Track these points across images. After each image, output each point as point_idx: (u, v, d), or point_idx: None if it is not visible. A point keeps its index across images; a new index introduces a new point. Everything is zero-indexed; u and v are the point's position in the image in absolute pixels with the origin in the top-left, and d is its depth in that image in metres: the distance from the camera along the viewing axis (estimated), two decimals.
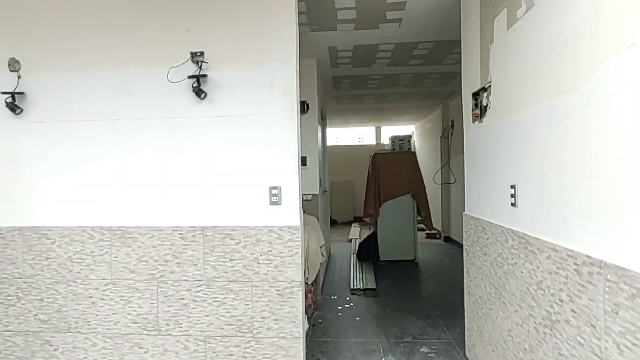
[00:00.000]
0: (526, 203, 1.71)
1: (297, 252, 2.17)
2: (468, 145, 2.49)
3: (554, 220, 1.45)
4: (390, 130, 10.44)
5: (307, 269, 3.36)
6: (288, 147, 2.19)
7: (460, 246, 6.74)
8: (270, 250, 2.17)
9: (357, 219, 9.65)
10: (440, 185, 7.09)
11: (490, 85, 2.07)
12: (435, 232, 7.40)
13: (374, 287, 4.26)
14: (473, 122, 2.37)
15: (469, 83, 2.40)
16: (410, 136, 5.60)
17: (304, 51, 3.86)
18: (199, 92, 2.13)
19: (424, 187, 5.52)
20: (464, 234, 2.55)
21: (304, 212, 3.95)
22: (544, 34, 1.49)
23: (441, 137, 7.15)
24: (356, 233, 7.91)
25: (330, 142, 10.36)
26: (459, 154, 6.49)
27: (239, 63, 2.19)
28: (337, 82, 5.16)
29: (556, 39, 1.40)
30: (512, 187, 1.81)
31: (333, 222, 9.66)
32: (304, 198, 4.02)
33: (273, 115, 2.19)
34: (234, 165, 2.20)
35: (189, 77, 2.14)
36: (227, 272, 2.18)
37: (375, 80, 5.05)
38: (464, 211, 2.57)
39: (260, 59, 2.18)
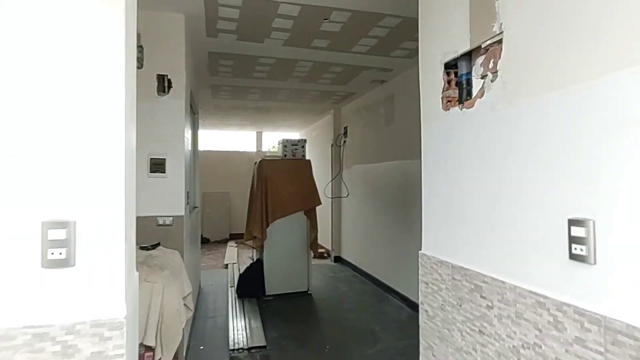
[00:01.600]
0: (620, 258, 0.84)
1: None
2: (432, 146, 1.58)
3: None
4: (274, 137, 9.46)
5: (160, 344, 2.02)
6: (99, 122, 0.92)
7: (354, 268, 6.12)
8: None
9: (235, 237, 8.30)
10: (330, 199, 6.36)
11: (500, 40, 1.19)
12: (322, 251, 6.62)
13: (263, 343, 3.09)
14: (446, 109, 1.47)
15: (438, 46, 1.51)
16: (305, 140, 4.66)
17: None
18: None
19: (320, 202, 4.62)
20: (422, 285, 1.62)
21: (156, 246, 2.57)
22: None
23: (332, 145, 6.45)
24: (233, 256, 6.59)
25: (203, 145, 8.82)
26: (353, 164, 5.86)
27: None
28: (214, 63, 3.88)
29: None
30: (577, 224, 0.93)
31: (204, 241, 8.10)
32: (162, 222, 2.64)
33: None
34: None
35: None
36: None
37: (266, 66, 3.95)
38: (420, 250, 1.66)
39: None
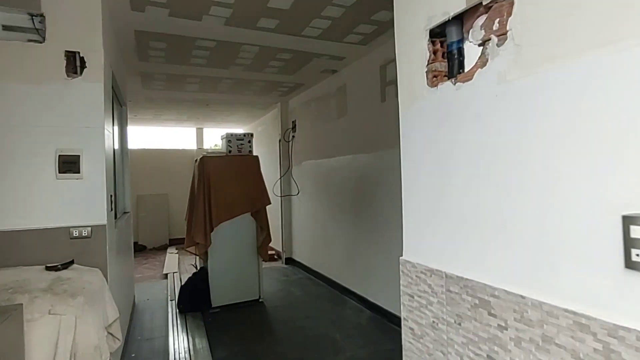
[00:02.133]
0: None
1: None
2: (414, 130, 1.32)
3: None
4: (216, 133, 8.87)
5: None
6: None
7: (306, 269, 5.79)
8: None
9: (176, 242, 7.63)
10: (280, 198, 6.00)
11: None
12: (273, 253, 6.25)
13: None
14: (432, 85, 1.21)
15: (422, 9, 1.24)
16: (251, 135, 4.25)
17: None
18: None
19: (269, 202, 4.26)
20: (405, 297, 1.36)
21: (68, 265, 2.05)
22: None
23: (280, 141, 6.10)
24: (174, 264, 5.99)
25: (136, 143, 7.99)
26: (303, 160, 5.55)
27: None
28: (143, 45, 3.35)
29: None
30: (637, 222, 0.70)
31: (140, 249, 7.36)
32: (77, 234, 2.13)
33: None
34: None
35: None
36: None
37: (205, 50, 3.49)
38: (401, 255, 1.39)
39: None
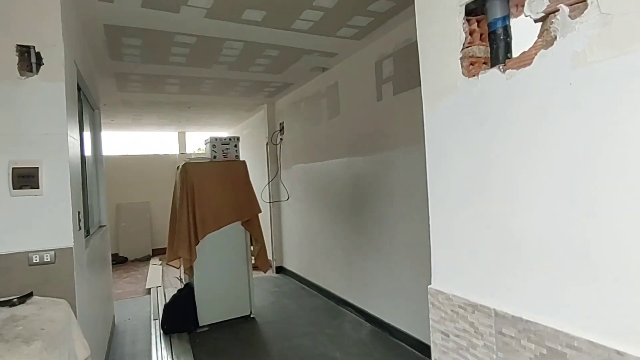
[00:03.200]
0: None
1: None
2: (444, 132, 1.07)
3: None
4: (199, 137, 8.53)
5: None
6: None
7: (299, 279, 5.44)
8: None
9: (159, 252, 7.26)
10: (269, 204, 5.72)
11: None
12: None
13: None
14: (469, 74, 0.97)
15: None
16: (238, 138, 3.95)
17: None
18: None
19: (260, 210, 3.97)
20: (436, 335, 1.11)
21: (26, 298, 1.70)
22: None
23: (267, 144, 5.81)
24: (157, 277, 5.64)
25: (114, 150, 7.58)
26: (293, 164, 5.28)
27: None
28: (115, 42, 3.04)
29: None
30: None
31: (122, 261, 6.97)
32: (37, 259, 1.82)
33: None
34: None
35: None
36: None
37: (185, 47, 3.19)
38: (429, 284, 1.14)
39: None
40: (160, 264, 6.51)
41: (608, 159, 0.70)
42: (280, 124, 5.59)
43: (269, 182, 5.72)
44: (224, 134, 8.42)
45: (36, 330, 1.45)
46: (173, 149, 8.38)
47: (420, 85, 1.14)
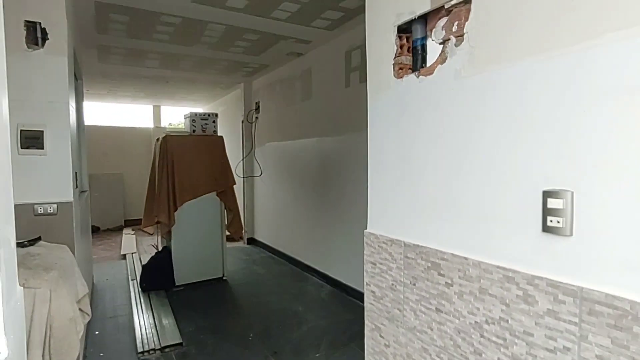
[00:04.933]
0: (597, 228, 0.83)
1: None
2: (381, 117, 1.47)
3: None
4: (174, 112, 8.60)
5: None
6: None
7: (269, 249, 5.92)
8: None
9: (132, 223, 7.44)
10: (242, 179, 6.03)
11: (468, 0, 1.10)
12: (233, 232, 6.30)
13: (178, 340, 2.77)
14: (398, 77, 1.36)
15: (391, 7, 1.38)
16: (216, 115, 4.23)
17: None
18: None
19: (234, 182, 4.31)
20: (368, 265, 1.54)
21: (35, 241, 2.02)
22: None
23: (243, 122, 6.08)
24: (132, 245, 5.89)
25: (88, 120, 7.57)
26: (267, 142, 5.60)
27: None
28: (103, 17, 3.23)
29: None
30: (554, 195, 0.90)
31: (94, 230, 7.11)
32: (42, 211, 2.11)
33: None
34: None
35: None
36: None
37: (170, 26, 3.42)
38: (365, 229, 1.56)
39: None
40: (134, 234, 6.72)
41: (468, 140, 1.11)
42: (256, 103, 5.86)
43: (243, 159, 6.02)
44: (199, 109, 8.55)
45: (51, 263, 1.77)
46: (146, 122, 8.44)
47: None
